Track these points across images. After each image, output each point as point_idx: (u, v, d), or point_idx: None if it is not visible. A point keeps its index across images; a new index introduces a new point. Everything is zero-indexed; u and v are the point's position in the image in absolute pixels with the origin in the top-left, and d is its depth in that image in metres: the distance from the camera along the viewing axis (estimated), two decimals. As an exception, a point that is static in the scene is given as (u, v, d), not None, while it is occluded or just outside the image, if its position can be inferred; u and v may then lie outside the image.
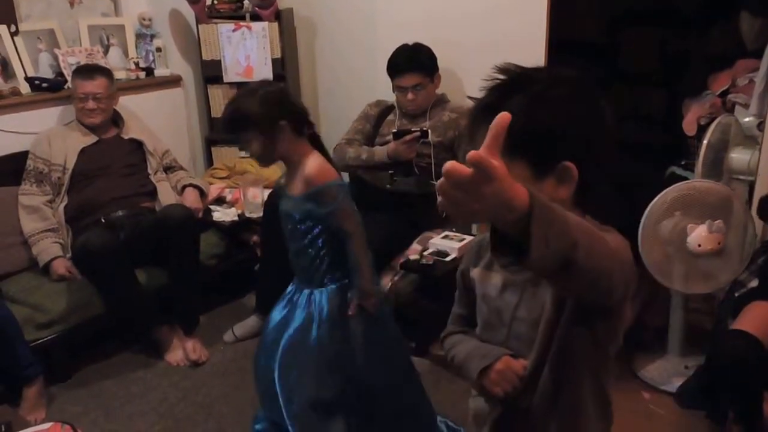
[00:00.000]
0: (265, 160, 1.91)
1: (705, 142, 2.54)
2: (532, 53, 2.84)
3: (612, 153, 1.04)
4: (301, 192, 1.86)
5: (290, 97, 1.94)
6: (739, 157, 2.55)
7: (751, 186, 2.54)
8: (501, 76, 1.02)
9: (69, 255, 2.73)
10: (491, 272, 1.17)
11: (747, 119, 2.68)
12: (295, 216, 1.88)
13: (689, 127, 3.04)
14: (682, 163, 3.01)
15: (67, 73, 3.11)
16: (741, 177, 2.59)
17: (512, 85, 1.01)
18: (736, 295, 2.25)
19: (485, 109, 1.00)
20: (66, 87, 3.10)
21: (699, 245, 2.25)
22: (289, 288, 2.03)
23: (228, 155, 3.67)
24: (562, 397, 1.09)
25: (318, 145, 1.95)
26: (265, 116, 1.82)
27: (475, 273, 1.20)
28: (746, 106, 2.75)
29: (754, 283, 2.23)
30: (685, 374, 2.46)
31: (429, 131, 2.84)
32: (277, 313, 2.03)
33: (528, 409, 1.11)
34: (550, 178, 0.99)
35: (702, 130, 2.83)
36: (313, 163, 1.86)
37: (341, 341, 1.92)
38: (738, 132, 2.58)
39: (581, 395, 1.10)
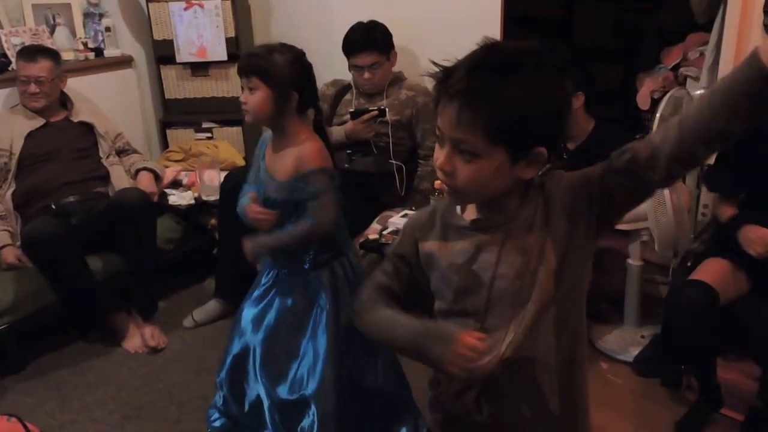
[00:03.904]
0: (255, 116, 1.83)
1: (658, 115, 2.57)
2: (488, 29, 2.82)
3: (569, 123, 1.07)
4: (290, 173, 1.81)
5: (314, 77, 1.91)
6: (690, 129, 2.60)
7: (703, 157, 2.58)
8: (481, 51, 1.01)
9: (19, 243, 2.65)
10: (450, 241, 1.14)
11: (698, 92, 2.72)
12: (280, 201, 1.84)
13: (643, 100, 3.07)
14: (637, 136, 3.04)
15: (11, 54, 3.01)
16: (693, 149, 2.63)
17: (498, 68, 0.98)
18: (689, 264, 2.30)
19: (468, 91, 0.97)
20: (10, 69, 3.00)
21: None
22: (264, 279, 1.99)
23: (183, 137, 3.61)
24: (563, 341, 1.11)
25: (322, 136, 1.91)
26: (283, 76, 1.78)
27: (431, 246, 1.17)
28: (697, 79, 2.80)
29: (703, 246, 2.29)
30: (641, 343, 2.52)
31: (386, 110, 2.82)
32: (252, 309, 1.99)
33: (529, 362, 1.10)
34: (523, 162, 1.02)
35: (655, 103, 2.86)
36: (313, 145, 1.83)
37: (333, 321, 1.90)
38: (690, 105, 2.62)
39: (579, 334, 1.14)
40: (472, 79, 0.98)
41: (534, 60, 1.00)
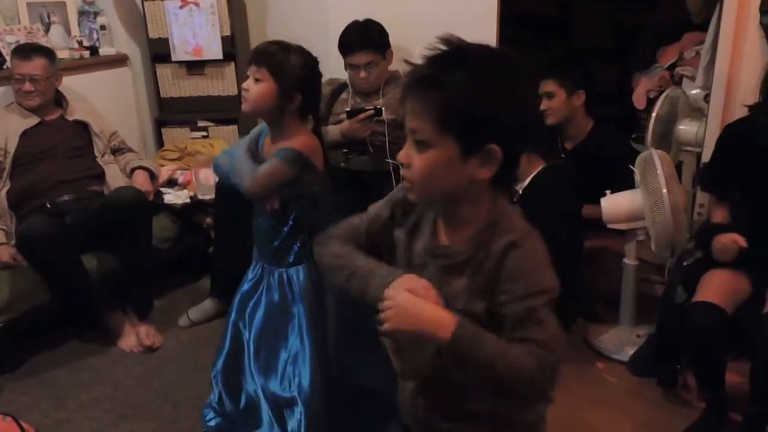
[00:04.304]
0: (253, 106, 1.82)
1: (654, 114, 2.58)
2: (484, 28, 2.84)
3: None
4: None
5: (320, 86, 1.93)
6: (686, 128, 2.60)
7: (699, 157, 2.59)
8: (443, 47, 1.02)
9: (13, 242, 2.64)
10: (414, 239, 1.16)
11: (694, 92, 2.73)
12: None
13: (639, 100, 3.09)
14: (633, 136, 3.06)
15: (6, 53, 2.99)
16: (689, 148, 2.64)
17: (453, 60, 1.00)
18: (685, 264, 2.30)
19: (423, 80, 1.01)
20: (5, 67, 2.98)
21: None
22: (251, 274, 2.00)
23: (179, 136, 3.60)
24: None
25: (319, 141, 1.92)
26: (293, 76, 1.79)
27: (400, 235, 1.19)
28: (693, 78, 2.80)
29: (701, 252, 2.28)
30: (636, 343, 2.51)
31: (383, 109, 2.81)
32: (243, 304, 2.00)
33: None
34: (475, 159, 1.02)
35: (651, 103, 2.87)
36: (303, 137, 1.83)
37: (318, 318, 1.91)
38: (685, 104, 2.63)
39: None
40: (425, 69, 1.01)
41: (490, 58, 1.02)
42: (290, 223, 1.88)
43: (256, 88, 1.80)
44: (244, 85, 1.82)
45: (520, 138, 1.05)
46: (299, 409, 1.88)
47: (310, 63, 1.85)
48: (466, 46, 1.03)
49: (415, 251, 1.15)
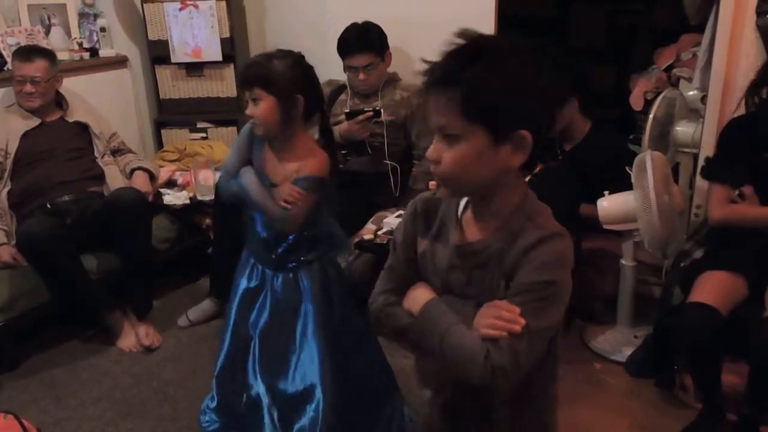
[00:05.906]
0: (265, 127, 1.79)
1: (651, 116, 2.58)
2: (482, 29, 2.82)
3: (553, 121, 1.09)
4: (289, 179, 1.81)
5: (317, 79, 1.88)
6: (683, 130, 2.61)
7: (696, 158, 2.60)
8: (459, 41, 1.04)
9: (14, 242, 2.65)
10: (439, 244, 1.17)
11: (691, 93, 2.74)
12: None
13: (636, 101, 3.09)
14: (631, 137, 3.07)
15: (7, 54, 3.00)
16: (686, 150, 2.64)
17: (470, 53, 1.02)
18: (682, 265, 2.30)
19: (444, 77, 1.02)
20: (6, 68, 3.00)
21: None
22: (249, 273, 1.97)
23: (178, 137, 3.61)
24: None
25: (329, 139, 1.90)
26: (285, 81, 1.75)
27: (423, 245, 1.19)
28: (690, 80, 2.81)
29: (699, 254, 2.29)
30: (634, 344, 2.52)
31: (381, 111, 2.82)
32: (244, 308, 1.98)
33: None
34: (507, 146, 1.03)
35: (648, 104, 2.88)
36: (317, 160, 1.81)
37: (326, 315, 1.91)
38: (683, 106, 2.63)
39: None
40: (446, 66, 1.03)
41: (504, 47, 1.04)
42: (302, 233, 1.87)
43: (259, 109, 1.76)
44: (248, 112, 1.78)
45: (547, 120, 1.07)
46: (313, 407, 1.86)
47: (296, 61, 1.80)
48: (480, 38, 1.05)
49: (439, 255, 1.16)
